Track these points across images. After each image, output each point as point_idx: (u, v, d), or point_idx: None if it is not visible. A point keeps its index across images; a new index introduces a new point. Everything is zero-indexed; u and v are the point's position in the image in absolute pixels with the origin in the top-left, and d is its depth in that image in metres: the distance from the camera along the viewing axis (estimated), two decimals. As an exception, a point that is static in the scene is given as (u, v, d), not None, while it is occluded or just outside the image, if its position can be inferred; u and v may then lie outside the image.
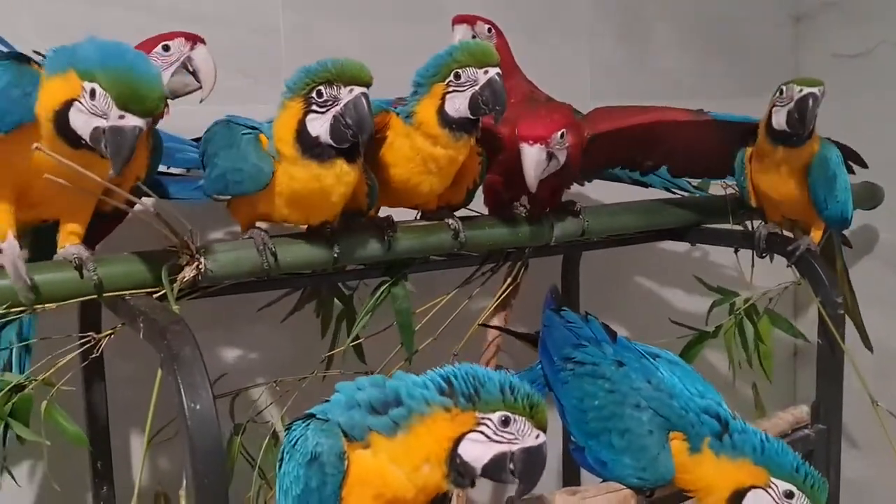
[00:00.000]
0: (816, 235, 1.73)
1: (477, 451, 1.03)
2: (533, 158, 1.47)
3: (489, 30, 1.70)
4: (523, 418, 1.04)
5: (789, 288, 1.83)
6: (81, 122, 1.10)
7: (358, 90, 1.26)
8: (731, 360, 1.75)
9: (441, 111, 1.40)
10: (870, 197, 2.30)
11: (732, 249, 1.89)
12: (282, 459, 1.11)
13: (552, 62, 2.22)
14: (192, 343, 1.01)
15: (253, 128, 1.34)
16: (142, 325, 1.11)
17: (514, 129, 1.51)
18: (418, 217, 1.61)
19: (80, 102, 1.10)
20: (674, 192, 2.00)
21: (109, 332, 1.25)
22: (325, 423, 1.07)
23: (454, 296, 1.69)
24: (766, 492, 1.29)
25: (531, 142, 1.47)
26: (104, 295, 1.19)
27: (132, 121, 1.09)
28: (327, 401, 1.12)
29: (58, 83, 1.11)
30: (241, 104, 1.70)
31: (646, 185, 1.98)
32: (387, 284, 1.53)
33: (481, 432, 1.03)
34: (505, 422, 1.04)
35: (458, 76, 1.39)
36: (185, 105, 1.57)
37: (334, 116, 1.26)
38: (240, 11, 1.85)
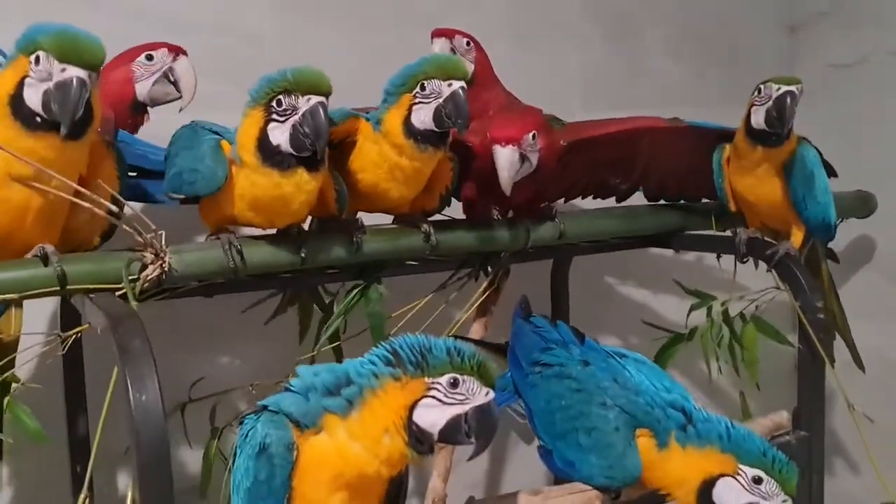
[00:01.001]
0: (797, 240, 1.71)
1: (432, 416, 1.05)
2: (506, 159, 1.48)
3: (468, 43, 1.71)
4: (472, 378, 1.06)
5: (782, 300, 1.82)
6: (33, 94, 1.16)
7: (315, 99, 1.27)
8: (707, 361, 1.74)
9: (407, 122, 1.41)
10: (863, 205, 2.28)
11: (715, 256, 1.88)
12: (235, 454, 1.12)
13: (543, 70, 2.24)
14: (142, 337, 1.03)
15: (217, 133, 1.36)
16: (99, 320, 1.13)
17: (483, 138, 1.52)
18: (393, 221, 1.62)
19: (30, 76, 1.16)
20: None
21: (75, 330, 1.26)
22: (275, 416, 1.07)
23: (434, 301, 1.70)
24: (735, 479, 1.28)
25: (503, 143, 1.48)
26: (68, 288, 1.21)
27: (73, 72, 1.14)
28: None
29: (6, 72, 1.17)
30: (225, 111, 1.71)
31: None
32: (360, 287, 1.54)
33: (433, 397, 1.05)
34: (454, 383, 1.06)
35: (423, 87, 1.40)
36: (167, 114, 1.61)
37: (293, 125, 1.27)
38: (225, 18, 1.88)
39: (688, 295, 1.84)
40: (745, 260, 1.80)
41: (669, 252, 2.12)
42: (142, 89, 1.55)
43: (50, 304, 1.60)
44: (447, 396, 1.05)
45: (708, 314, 1.76)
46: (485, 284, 1.74)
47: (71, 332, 1.27)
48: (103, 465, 1.70)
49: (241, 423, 1.13)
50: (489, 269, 1.77)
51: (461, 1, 2.15)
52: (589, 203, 2.08)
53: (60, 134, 1.15)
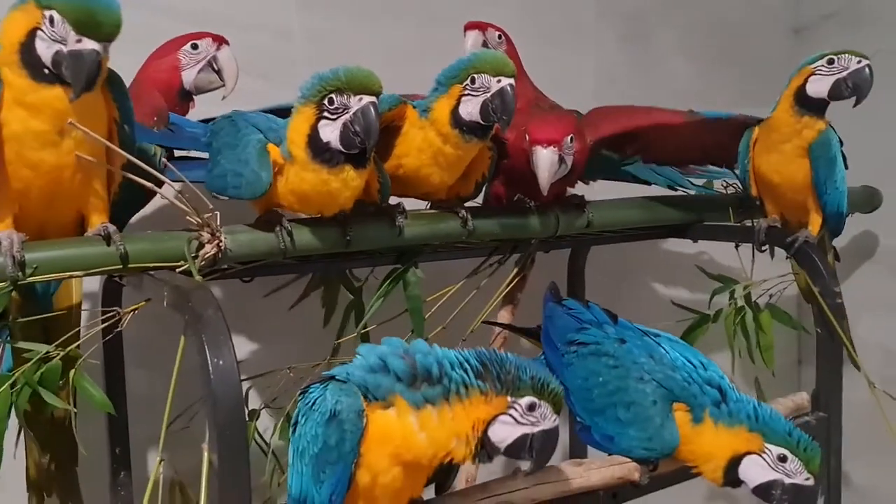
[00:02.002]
0: (814, 228, 1.77)
1: (504, 432, 1.13)
2: (547, 160, 1.53)
3: (499, 36, 1.77)
4: (546, 403, 1.15)
5: (791, 293, 1.88)
6: (44, 50, 1.16)
7: (367, 99, 1.30)
8: (730, 344, 1.80)
9: (455, 112, 1.46)
10: (868, 200, 2.36)
11: (733, 245, 1.93)
12: (296, 423, 1.16)
13: (557, 68, 2.29)
14: (215, 305, 1.06)
15: (259, 129, 1.40)
16: (166, 293, 1.17)
17: (519, 134, 1.57)
18: (428, 207, 1.67)
19: (42, 30, 1.15)
20: (676, 191, 2.05)
21: (134, 307, 1.30)
22: (344, 384, 1.12)
23: (463, 287, 1.75)
24: (761, 457, 1.35)
25: (545, 144, 1.53)
26: (129, 267, 1.24)
27: (89, 44, 1.15)
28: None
29: (17, 15, 1.17)
30: (255, 105, 1.78)
31: (648, 184, 2.04)
32: (399, 271, 1.59)
33: (510, 415, 1.14)
34: (532, 407, 1.14)
35: (473, 81, 1.44)
36: (198, 106, 1.68)
37: (344, 124, 1.30)
38: (256, 15, 1.93)
39: (698, 284, 1.90)
40: (763, 248, 1.86)
41: (681, 244, 2.19)
42: (188, 77, 1.62)
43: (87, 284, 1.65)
44: (522, 417, 1.14)
45: (731, 298, 1.81)
46: (515, 271, 1.79)
47: (131, 308, 1.30)
48: (137, 448, 1.75)
49: (302, 393, 1.18)
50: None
51: (478, 3, 2.21)
52: (604, 193, 2.15)
53: (70, 97, 1.16)
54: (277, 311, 1.74)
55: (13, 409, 1.20)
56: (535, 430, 1.14)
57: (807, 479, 1.35)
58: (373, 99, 1.31)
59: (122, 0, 1.72)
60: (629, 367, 1.42)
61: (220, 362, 1.01)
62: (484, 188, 1.72)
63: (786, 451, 1.35)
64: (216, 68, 1.62)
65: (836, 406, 1.74)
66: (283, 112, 1.43)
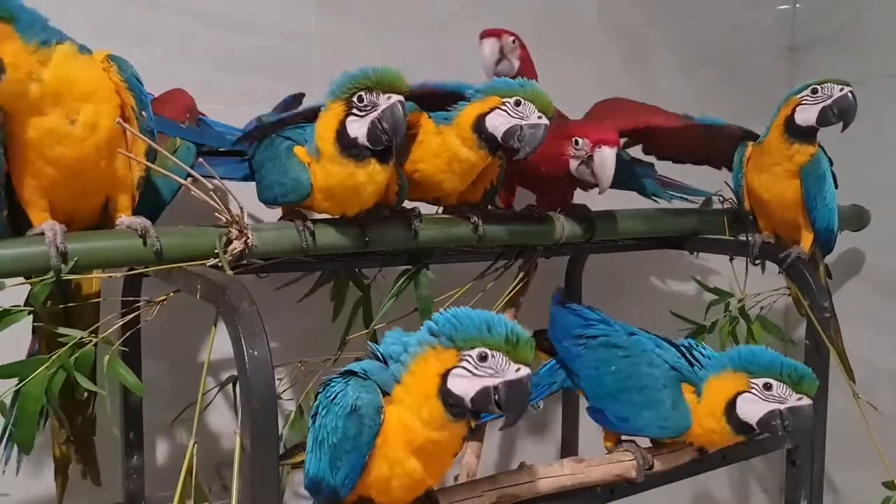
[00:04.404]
0: (806, 245, 1.85)
1: (463, 385, 1.12)
2: (611, 160, 1.61)
3: (513, 41, 1.84)
4: (500, 353, 1.13)
5: (779, 306, 1.95)
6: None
7: (395, 98, 1.38)
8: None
9: (480, 119, 1.51)
10: (857, 219, 2.44)
11: (728, 258, 2.02)
12: (316, 413, 1.23)
13: (561, 82, 2.37)
14: (249, 298, 1.13)
15: (290, 138, 1.47)
16: (199, 286, 1.23)
17: (557, 139, 1.63)
18: (440, 211, 1.74)
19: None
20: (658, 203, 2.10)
21: (162, 297, 1.36)
22: (365, 381, 1.18)
23: (467, 291, 1.82)
24: (750, 392, 1.42)
25: (612, 145, 1.61)
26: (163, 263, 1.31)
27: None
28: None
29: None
30: (269, 105, 1.85)
31: (655, 199, 2.10)
32: (412, 272, 1.65)
33: (464, 367, 1.13)
34: (482, 357, 1.13)
35: (518, 104, 1.49)
36: (217, 105, 1.75)
37: (372, 121, 1.37)
38: (275, 19, 2.00)
39: (697, 298, 1.98)
40: (756, 262, 1.94)
41: (675, 255, 2.27)
42: None
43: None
44: (477, 369, 1.13)
45: (726, 310, 1.89)
46: (521, 275, 1.86)
47: (160, 298, 1.36)
48: (149, 435, 1.81)
49: (324, 385, 1.24)
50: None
51: (488, 14, 2.29)
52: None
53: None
54: (286, 306, 1.80)
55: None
56: (496, 381, 1.12)
57: (799, 399, 1.41)
58: (400, 98, 1.38)
59: (148, 2, 1.82)
60: (639, 355, 1.52)
61: (255, 353, 1.08)
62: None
63: (770, 380, 1.41)
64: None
65: (822, 414, 1.82)
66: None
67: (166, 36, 1.74)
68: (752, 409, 1.42)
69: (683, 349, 1.53)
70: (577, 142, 1.62)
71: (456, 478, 1.74)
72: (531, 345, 1.16)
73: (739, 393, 1.43)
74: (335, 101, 1.40)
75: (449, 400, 1.13)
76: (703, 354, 1.51)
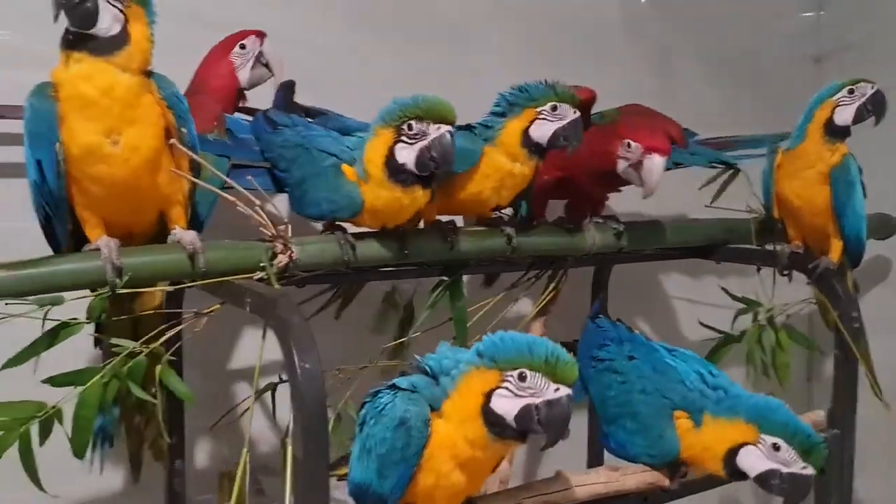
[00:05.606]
0: (835, 255, 1.87)
1: (506, 405, 1.17)
2: (661, 169, 1.64)
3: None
4: (539, 374, 1.17)
5: (804, 313, 1.96)
6: None
7: (445, 128, 1.43)
8: (753, 363, 1.90)
9: (525, 132, 1.56)
10: (883, 227, 2.46)
11: (755, 268, 2.04)
12: (363, 423, 1.27)
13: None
14: (299, 313, 1.17)
15: (333, 154, 1.51)
16: (248, 300, 1.27)
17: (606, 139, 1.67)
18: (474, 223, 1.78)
19: None
20: (715, 166, 2.08)
21: (210, 309, 1.40)
22: (412, 394, 1.22)
23: (498, 300, 1.85)
24: (756, 447, 1.41)
25: (663, 154, 1.64)
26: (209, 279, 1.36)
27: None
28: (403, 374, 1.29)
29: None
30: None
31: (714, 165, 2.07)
32: (448, 283, 1.69)
33: (506, 388, 1.17)
34: (522, 377, 1.17)
35: (554, 108, 1.55)
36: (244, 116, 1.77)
37: (421, 149, 1.42)
38: (303, 32, 2.04)
39: (720, 306, 2.00)
40: (784, 273, 1.96)
41: (701, 265, 2.28)
42: (243, 77, 1.71)
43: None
44: (518, 389, 1.17)
45: (754, 319, 1.91)
46: (553, 285, 1.89)
47: (207, 311, 1.40)
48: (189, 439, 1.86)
49: (372, 396, 1.28)
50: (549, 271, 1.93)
51: (510, 27, 2.34)
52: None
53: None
54: (320, 315, 1.84)
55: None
56: (538, 401, 1.16)
57: (803, 467, 1.40)
58: (449, 128, 1.42)
59: (176, 13, 1.86)
60: (634, 381, 1.54)
61: (307, 365, 1.12)
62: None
63: (779, 441, 1.40)
64: (264, 62, 1.71)
65: (850, 423, 1.85)
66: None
67: (197, 48, 1.77)
68: (753, 463, 1.42)
69: (700, 373, 1.53)
70: (629, 144, 1.64)
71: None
72: (572, 366, 1.19)
73: (745, 444, 1.42)
74: (385, 128, 1.45)
75: (491, 419, 1.17)
76: (719, 385, 1.50)
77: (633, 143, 1.64)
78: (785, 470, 1.40)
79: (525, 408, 1.16)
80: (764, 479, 1.41)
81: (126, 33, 1.27)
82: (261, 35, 1.72)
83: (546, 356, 1.17)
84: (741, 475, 1.44)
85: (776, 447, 1.40)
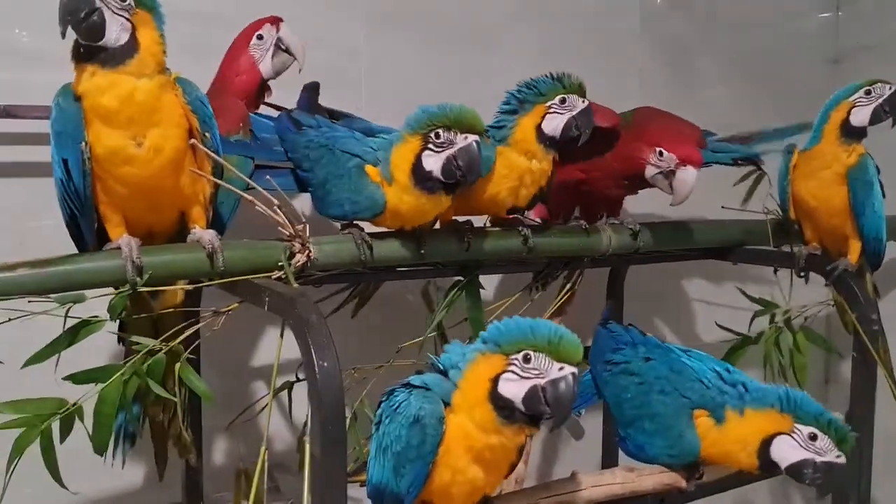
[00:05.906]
0: (854, 256, 1.86)
1: (513, 388, 1.17)
2: (693, 180, 1.65)
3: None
4: (543, 354, 1.17)
5: (822, 315, 1.94)
6: None
7: (472, 138, 1.44)
8: (770, 364, 1.90)
9: (538, 129, 1.58)
10: (901, 228, 2.43)
11: (771, 270, 2.03)
12: (379, 422, 1.28)
13: (602, 91, 2.40)
14: (317, 311, 1.18)
15: (358, 156, 1.52)
16: (267, 298, 1.28)
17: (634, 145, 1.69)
18: (487, 223, 1.78)
19: None
20: (739, 164, 2.05)
21: (231, 306, 1.42)
22: (427, 392, 1.23)
23: (514, 300, 1.86)
24: (791, 436, 1.41)
25: (696, 165, 1.65)
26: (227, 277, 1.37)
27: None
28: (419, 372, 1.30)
29: None
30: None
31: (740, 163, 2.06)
32: (464, 282, 1.70)
33: (512, 371, 1.18)
34: (526, 358, 1.17)
35: (563, 101, 1.57)
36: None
37: (447, 157, 1.44)
38: (325, 35, 2.04)
39: (736, 306, 1.99)
40: (802, 274, 1.95)
41: (717, 265, 2.28)
42: (266, 68, 1.68)
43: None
44: (523, 371, 1.17)
45: (771, 321, 1.91)
46: (569, 286, 1.90)
47: (225, 309, 1.42)
48: (206, 437, 1.87)
49: (388, 395, 1.29)
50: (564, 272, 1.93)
51: (529, 28, 2.34)
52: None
53: None
54: (336, 314, 1.85)
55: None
56: (543, 381, 1.16)
57: (838, 456, 1.40)
58: (477, 138, 1.43)
59: (200, 16, 1.87)
60: (652, 382, 1.53)
61: (325, 364, 1.13)
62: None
63: (816, 430, 1.40)
64: (283, 47, 1.69)
65: (869, 426, 1.83)
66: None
67: (220, 49, 1.78)
68: (787, 453, 1.41)
69: (717, 371, 1.52)
70: (661, 153, 1.65)
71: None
72: (576, 345, 1.19)
73: (779, 433, 1.42)
74: (412, 135, 1.46)
75: (499, 403, 1.18)
76: (738, 381, 1.49)
77: (665, 153, 1.64)
78: (819, 459, 1.40)
79: (532, 389, 1.17)
80: (797, 469, 1.41)
81: (135, 40, 1.28)
82: (276, 21, 1.69)
83: (549, 336, 1.18)
84: (771, 467, 1.44)
85: (813, 437, 1.40)
